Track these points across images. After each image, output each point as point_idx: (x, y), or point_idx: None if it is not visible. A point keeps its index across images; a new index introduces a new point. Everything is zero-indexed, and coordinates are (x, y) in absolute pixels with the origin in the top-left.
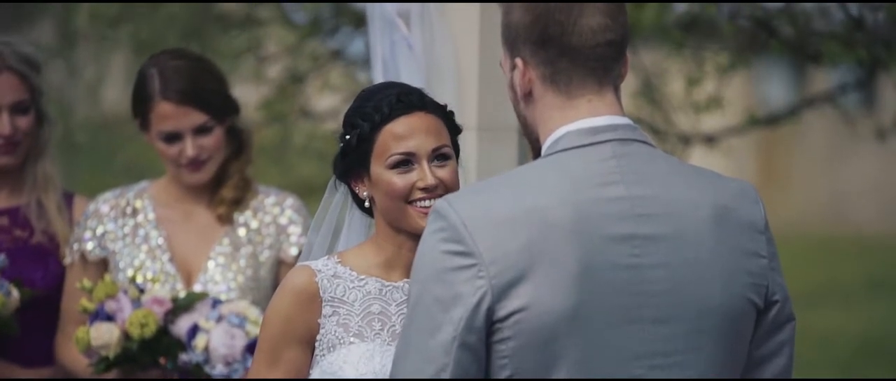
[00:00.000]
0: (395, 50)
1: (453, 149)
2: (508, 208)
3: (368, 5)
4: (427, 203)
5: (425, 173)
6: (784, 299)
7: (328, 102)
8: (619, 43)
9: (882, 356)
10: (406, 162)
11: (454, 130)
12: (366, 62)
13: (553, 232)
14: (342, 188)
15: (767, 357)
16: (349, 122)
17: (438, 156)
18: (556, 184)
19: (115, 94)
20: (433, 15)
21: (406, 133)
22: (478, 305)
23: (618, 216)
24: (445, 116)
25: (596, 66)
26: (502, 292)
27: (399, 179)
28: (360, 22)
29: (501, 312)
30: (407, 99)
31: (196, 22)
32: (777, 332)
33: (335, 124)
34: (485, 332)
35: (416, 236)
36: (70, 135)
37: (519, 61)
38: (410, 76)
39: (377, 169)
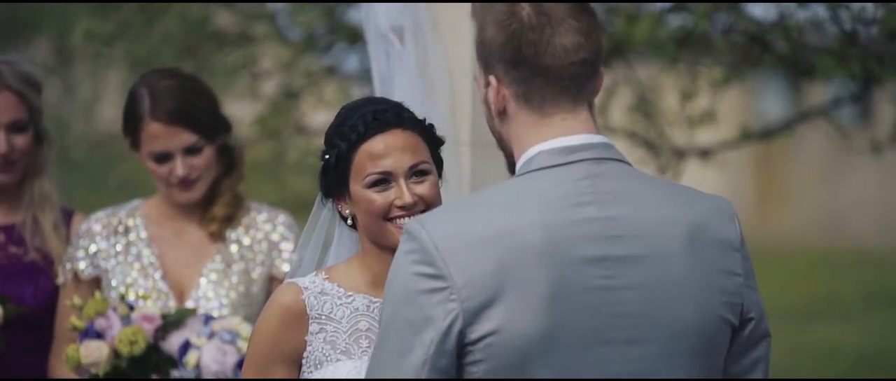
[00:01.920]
0: (392, 63)
1: (434, 162)
2: (480, 230)
3: (364, 21)
4: (407, 220)
5: (403, 191)
6: (759, 316)
7: (323, 118)
8: (593, 61)
9: (880, 370)
10: (383, 181)
11: (435, 142)
12: (360, 78)
13: (525, 255)
14: (329, 204)
15: (742, 374)
16: (329, 141)
17: (416, 172)
18: (528, 205)
19: (111, 111)
20: (426, 31)
21: (382, 152)
22: (449, 328)
23: (590, 238)
24: (423, 130)
25: (569, 84)
26: (474, 316)
27: (377, 198)
28: (354, 38)
29: (473, 335)
30: (383, 117)
31: (191, 39)
32: (752, 349)
33: None
34: (455, 355)
35: None
36: (66, 152)
37: (492, 79)
38: (406, 90)
39: (356, 188)
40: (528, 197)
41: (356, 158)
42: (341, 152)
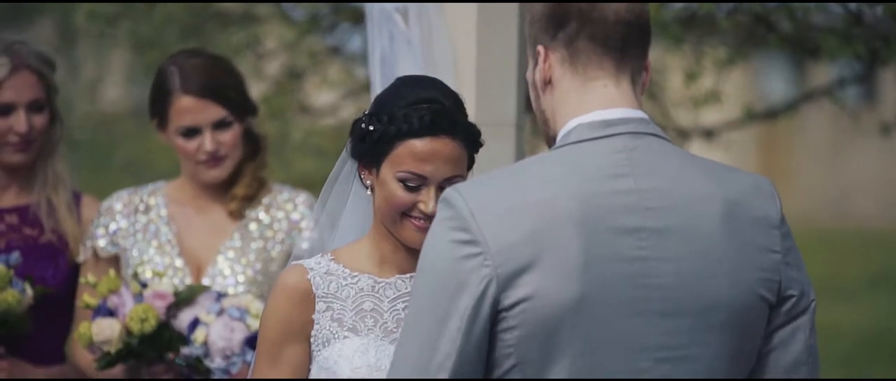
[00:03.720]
0: (394, 44)
1: (468, 166)
2: (517, 199)
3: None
4: (423, 222)
5: (430, 199)
6: (801, 293)
7: (326, 98)
8: (639, 28)
9: (884, 351)
10: (416, 182)
11: (476, 149)
12: (364, 58)
13: (560, 223)
14: (354, 164)
15: (779, 345)
16: (378, 112)
17: (449, 184)
18: (564, 176)
19: (114, 91)
20: (431, 11)
21: (426, 156)
22: (483, 293)
23: (625, 209)
24: (471, 138)
25: (614, 45)
26: (508, 281)
27: (403, 194)
28: (358, 18)
29: (506, 301)
30: (440, 120)
31: (195, 19)
32: (792, 321)
33: (334, 120)
34: (489, 321)
35: None
36: (69, 132)
37: (540, 49)
38: (409, 71)
39: (386, 173)
40: (565, 168)
41: (398, 148)
42: (386, 135)
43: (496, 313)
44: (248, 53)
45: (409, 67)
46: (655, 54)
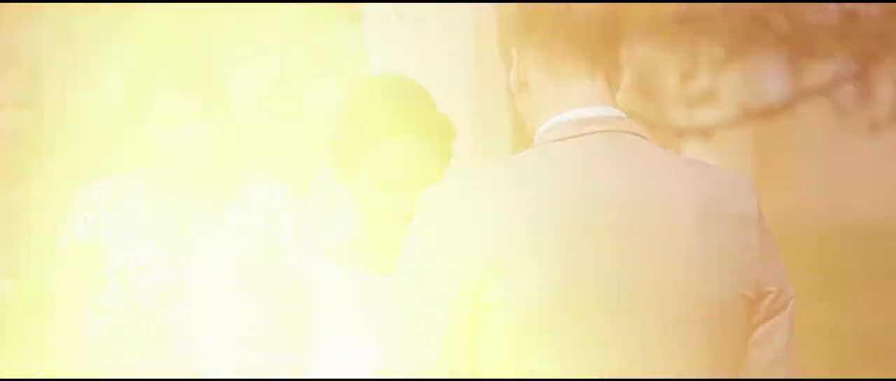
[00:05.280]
0: (390, 37)
1: (445, 159)
2: (493, 197)
3: None
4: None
5: (405, 202)
6: (779, 289)
7: None
8: (612, 26)
9: (880, 351)
10: (387, 187)
11: (447, 141)
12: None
13: (536, 222)
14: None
15: (758, 343)
16: (345, 119)
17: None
18: (542, 175)
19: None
20: (427, 12)
21: (392, 160)
22: (459, 292)
23: (602, 207)
24: (438, 134)
25: (587, 44)
26: (484, 280)
27: (379, 201)
28: (353, 16)
29: (482, 300)
30: (402, 121)
31: None
32: (771, 318)
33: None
34: (469, 321)
35: None
36: (66, 131)
37: (515, 51)
38: (404, 65)
39: (360, 180)
40: (542, 167)
41: (367, 154)
42: (352, 142)
43: (473, 312)
44: None
45: (403, 61)
46: (651, 53)
